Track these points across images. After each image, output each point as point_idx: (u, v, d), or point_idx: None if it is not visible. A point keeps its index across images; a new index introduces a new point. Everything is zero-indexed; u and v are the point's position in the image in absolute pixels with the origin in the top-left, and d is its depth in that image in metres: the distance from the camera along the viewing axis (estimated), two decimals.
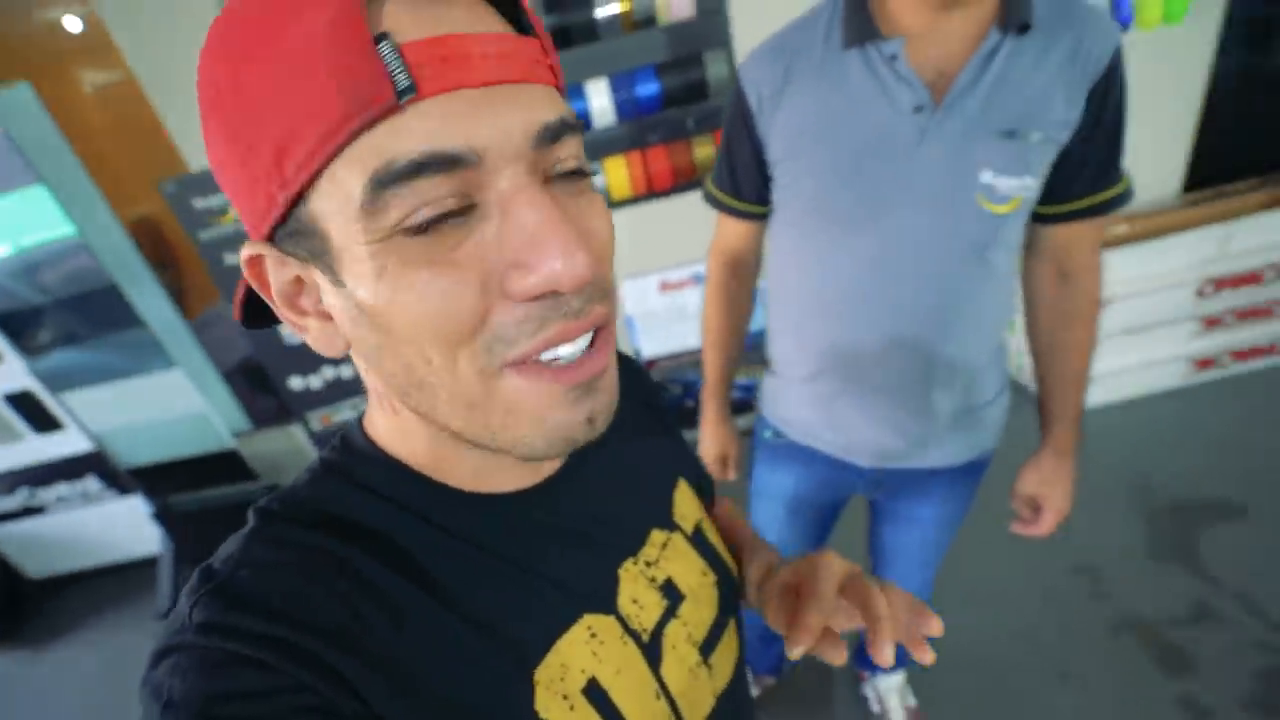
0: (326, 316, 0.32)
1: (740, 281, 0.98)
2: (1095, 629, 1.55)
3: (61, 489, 2.27)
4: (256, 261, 0.31)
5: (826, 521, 1.12)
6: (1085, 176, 0.73)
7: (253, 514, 0.35)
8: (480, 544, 0.37)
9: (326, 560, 0.33)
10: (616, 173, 2.00)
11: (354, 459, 0.37)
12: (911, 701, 1.45)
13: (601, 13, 1.83)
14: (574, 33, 1.86)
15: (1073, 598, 1.64)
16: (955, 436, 0.90)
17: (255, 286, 0.32)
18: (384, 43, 0.25)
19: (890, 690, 1.43)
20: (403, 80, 0.25)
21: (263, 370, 2.10)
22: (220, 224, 1.91)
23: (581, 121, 0.36)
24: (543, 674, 0.36)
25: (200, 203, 1.87)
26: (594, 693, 0.37)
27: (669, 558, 0.45)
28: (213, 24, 0.28)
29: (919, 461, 0.92)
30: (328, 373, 2.12)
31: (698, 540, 0.49)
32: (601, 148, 2.00)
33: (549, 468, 0.41)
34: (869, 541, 1.21)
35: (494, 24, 0.29)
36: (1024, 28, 0.65)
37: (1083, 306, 0.83)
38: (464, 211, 0.28)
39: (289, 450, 2.37)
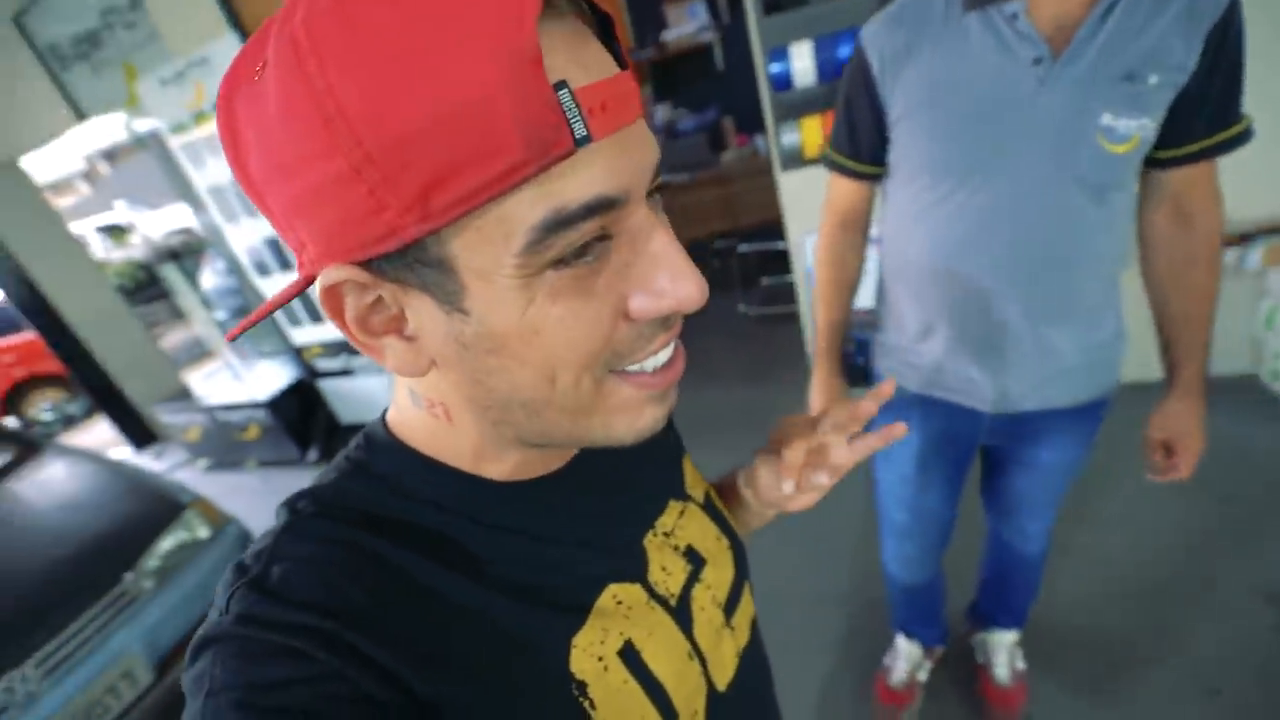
0: (407, 338, 0.32)
1: (851, 241, 1.03)
2: (1257, 655, 1.39)
3: (362, 360, 3.11)
4: (337, 287, 0.30)
5: (955, 477, 1.13)
6: (1204, 118, 0.75)
7: (283, 510, 0.36)
8: (514, 527, 0.38)
9: (358, 553, 0.34)
10: (812, 131, 2.12)
11: (382, 456, 0.38)
12: (1021, 665, 1.43)
13: None
14: None
15: (1248, 620, 1.46)
16: (1075, 375, 0.93)
17: (325, 310, 0.31)
18: (564, 90, 0.26)
19: (1002, 645, 1.42)
20: (580, 130, 0.26)
21: None
22: None
23: None
24: (581, 638, 0.38)
25: None
26: (628, 654, 0.39)
27: (686, 525, 0.48)
28: (315, 11, 0.26)
29: (1041, 403, 0.95)
30: None
31: (709, 508, 0.51)
32: (799, 108, 2.13)
33: (573, 451, 0.43)
34: (983, 490, 1.23)
35: (610, 62, 0.30)
36: None
37: (1203, 248, 0.84)
38: (601, 241, 0.30)
39: None
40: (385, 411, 0.40)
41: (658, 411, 0.36)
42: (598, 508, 0.43)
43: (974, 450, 1.11)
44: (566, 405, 0.33)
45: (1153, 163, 0.80)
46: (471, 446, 0.37)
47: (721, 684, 0.45)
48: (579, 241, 0.29)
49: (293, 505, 0.36)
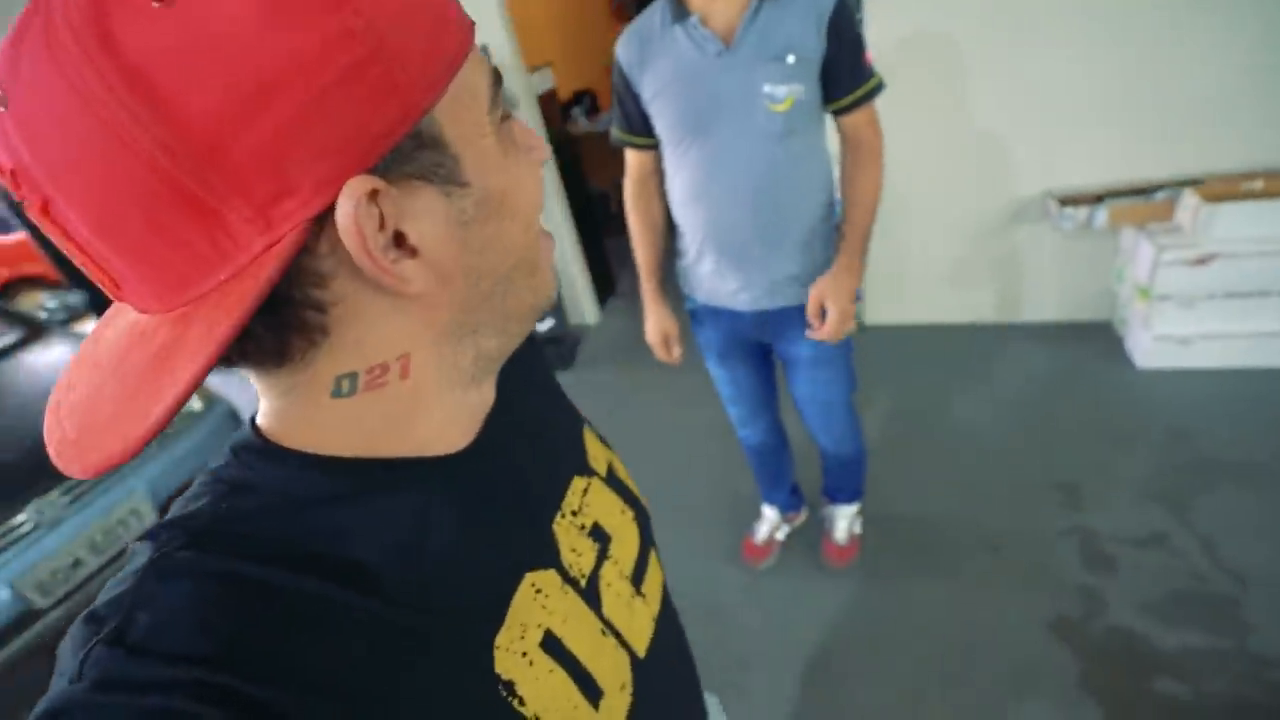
0: (414, 255, 0.30)
1: (648, 195, 1.36)
2: (1047, 529, 1.78)
3: None
4: (357, 212, 0.26)
5: (751, 359, 1.48)
6: (844, 82, 1.11)
7: (143, 546, 0.30)
8: (420, 520, 0.35)
9: (239, 585, 0.29)
10: None
11: (264, 467, 0.33)
12: (858, 529, 1.81)
13: None
14: None
15: (1041, 502, 1.85)
16: (797, 283, 1.27)
17: (352, 245, 0.27)
18: None
19: (843, 515, 1.79)
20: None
21: None
22: None
23: None
24: (503, 638, 0.36)
25: None
26: (550, 643, 0.38)
27: (591, 503, 0.47)
28: None
29: (778, 302, 1.29)
30: None
31: (612, 480, 0.52)
32: None
33: (477, 426, 0.40)
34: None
35: None
36: None
37: (865, 158, 1.19)
38: None
39: None
40: (252, 421, 0.35)
41: (554, 272, 0.40)
42: (511, 490, 0.41)
43: (752, 340, 1.43)
44: (530, 261, 0.36)
45: (836, 114, 1.18)
46: (370, 425, 0.34)
47: (642, 650, 0.46)
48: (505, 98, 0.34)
49: (155, 539, 0.30)
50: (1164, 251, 2.02)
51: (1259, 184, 1.98)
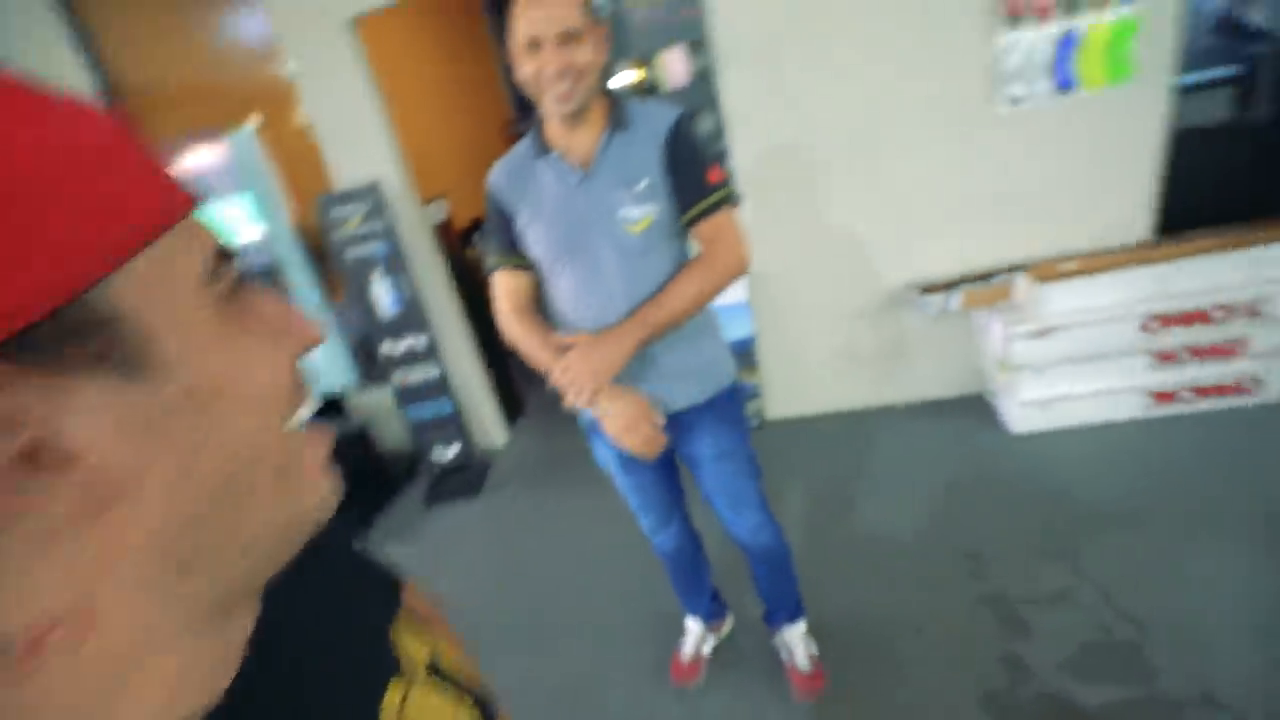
0: (71, 468, 0.22)
1: (528, 311, 1.31)
2: (962, 601, 1.81)
3: None
4: None
5: (661, 467, 1.46)
6: (687, 198, 1.18)
7: None
8: None
9: None
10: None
11: None
12: (814, 649, 1.72)
13: (614, 83, 2.41)
14: None
15: (952, 575, 1.89)
16: (687, 382, 1.30)
17: None
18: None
19: (796, 639, 1.71)
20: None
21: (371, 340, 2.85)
22: (347, 228, 2.69)
23: None
24: None
25: (337, 212, 2.67)
26: None
27: (410, 713, 0.39)
28: None
29: (671, 405, 1.30)
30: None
31: (437, 674, 0.43)
32: None
33: (229, 670, 0.30)
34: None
35: None
36: (621, 126, 1.15)
37: (696, 265, 1.20)
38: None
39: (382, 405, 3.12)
40: None
41: (329, 478, 0.32)
42: None
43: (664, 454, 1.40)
44: (280, 462, 0.29)
45: (686, 227, 1.21)
46: (109, 669, 0.25)
47: None
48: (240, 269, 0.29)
49: None
50: (1012, 327, 2.27)
51: (1073, 265, 2.30)
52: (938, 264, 2.52)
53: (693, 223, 1.20)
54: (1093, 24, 2.11)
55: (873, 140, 2.38)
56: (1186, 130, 2.29)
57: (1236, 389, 2.26)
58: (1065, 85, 2.19)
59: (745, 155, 2.47)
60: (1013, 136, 2.30)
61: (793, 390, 2.87)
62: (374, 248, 2.73)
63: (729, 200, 1.20)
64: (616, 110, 1.17)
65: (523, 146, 1.25)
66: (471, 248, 4.64)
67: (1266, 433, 2.15)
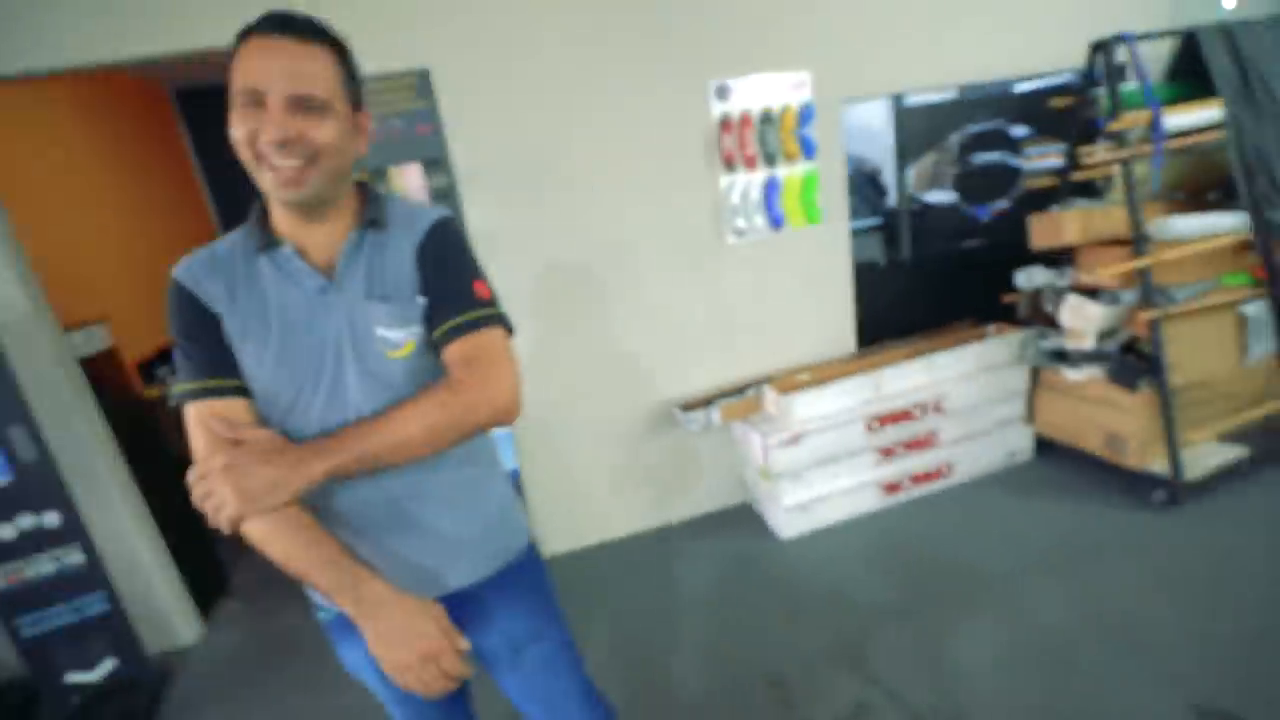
0: None
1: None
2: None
3: None
4: None
5: (451, 698, 1.07)
6: (442, 308, 0.88)
7: None
8: None
9: None
10: None
11: None
12: None
13: None
14: None
15: (761, 705, 1.76)
16: (466, 552, 0.96)
17: None
18: None
19: None
20: None
21: None
22: None
23: None
24: None
25: None
26: None
27: None
28: None
29: (448, 583, 0.95)
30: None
31: None
32: None
33: None
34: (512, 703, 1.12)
35: None
36: (376, 225, 0.89)
37: (439, 389, 0.84)
38: None
39: None
40: None
41: None
42: None
43: None
44: None
45: (436, 348, 0.90)
46: None
47: None
48: None
49: None
50: (768, 437, 2.39)
51: (807, 376, 2.56)
52: (696, 382, 2.62)
53: (445, 340, 0.88)
54: (787, 175, 2.50)
55: (630, 265, 2.44)
56: (861, 264, 2.80)
57: (939, 474, 2.65)
58: (777, 223, 2.52)
59: (497, 277, 2.33)
60: (740, 263, 2.55)
61: (566, 522, 2.64)
62: None
63: (495, 320, 0.90)
64: (371, 205, 0.91)
65: (235, 237, 0.92)
66: (156, 384, 3.68)
67: (965, 507, 2.53)
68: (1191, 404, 2.33)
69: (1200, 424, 2.35)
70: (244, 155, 0.80)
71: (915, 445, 2.60)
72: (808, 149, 2.47)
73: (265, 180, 0.81)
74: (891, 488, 2.60)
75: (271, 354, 0.87)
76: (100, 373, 2.38)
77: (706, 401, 2.51)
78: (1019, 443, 2.77)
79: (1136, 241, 2.19)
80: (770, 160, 2.45)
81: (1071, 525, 2.34)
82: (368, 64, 2.07)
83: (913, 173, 2.81)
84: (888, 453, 2.57)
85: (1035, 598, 2.00)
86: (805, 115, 2.44)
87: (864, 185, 3.11)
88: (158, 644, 2.34)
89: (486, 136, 2.21)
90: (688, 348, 2.57)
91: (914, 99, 2.72)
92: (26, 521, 1.99)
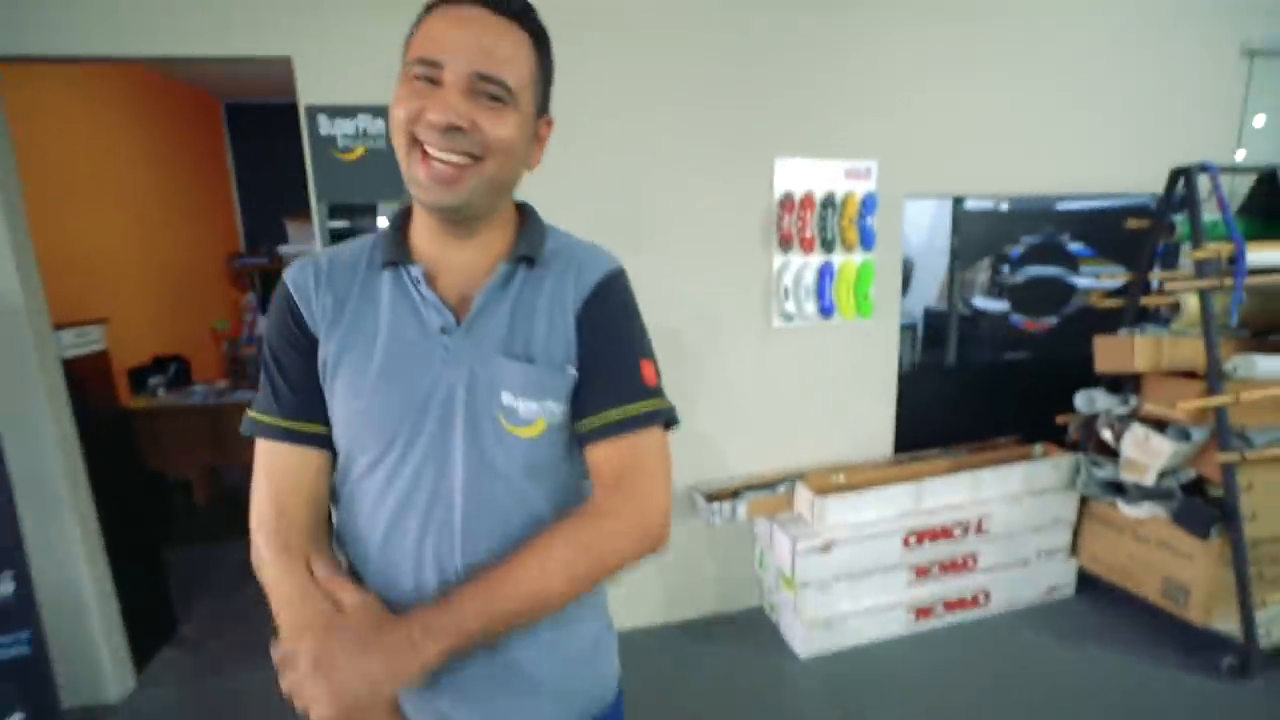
0: None
1: (300, 522, 0.72)
2: None
3: None
4: None
5: None
6: (600, 394, 0.70)
7: None
8: None
9: None
10: None
11: None
12: None
13: (383, 222, 2.01)
14: (356, 235, 2.00)
15: None
16: (549, 699, 0.75)
17: None
18: None
19: None
20: None
21: None
22: None
23: None
24: None
25: None
26: None
27: None
28: None
29: None
30: None
31: None
32: None
33: None
34: None
35: None
36: (529, 261, 0.71)
37: (588, 516, 0.67)
38: None
39: None
40: None
41: None
42: None
43: None
44: None
45: (581, 442, 0.72)
46: None
47: None
48: None
49: None
50: (798, 541, 2.17)
51: (841, 476, 2.36)
52: (723, 467, 2.41)
53: (596, 436, 0.70)
54: (843, 262, 2.39)
55: (670, 340, 2.29)
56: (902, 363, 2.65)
57: (975, 602, 2.40)
58: (828, 311, 2.39)
59: None
60: (785, 349, 2.40)
61: None
62: None
63: (663, 416, 0.72)
64: (530, 234, 0.73)
65: (364, 242, 0.75)
66: (145, 394, 3.48)
67: (1000, 643, 2.27)
68: (1267, 560, 2.12)
69: (1278, 584, 2.13)
70: (398, 141, 0.64)
71: (952, 567, 2.37)
72: (867, 239, 2.37)
73: (414, 174, 0.64)
74: (923, 612, 2.35)
75: (364, 395, 0.68)
76: (85, 376, 2.20)
77: (734, 493, 2.30)
78: (1061, 576, 2.53)
79: (1211, 377, 2.04)
80: (828, 246, 2.34)
81: (1121, 682, 2.08)
82: None
83: (964, 278, 2.71)
84: (922, 572, 2.34)
85: None
86: (868, 204, 2.35)
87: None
88: (78, 697, 2.03)
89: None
90: (719, 431, 2.39)
91: (975, 204, 2.65)
92: None
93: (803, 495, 2.27)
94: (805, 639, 2.22)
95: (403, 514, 0.69)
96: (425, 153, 0.63)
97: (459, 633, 0.60)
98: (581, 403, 0.71)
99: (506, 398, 0.68)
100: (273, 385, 0.72)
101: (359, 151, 1.99)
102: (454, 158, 0.63)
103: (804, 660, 2.22)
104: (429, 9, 0.64)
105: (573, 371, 0.70)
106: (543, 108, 0.70)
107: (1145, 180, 2.52)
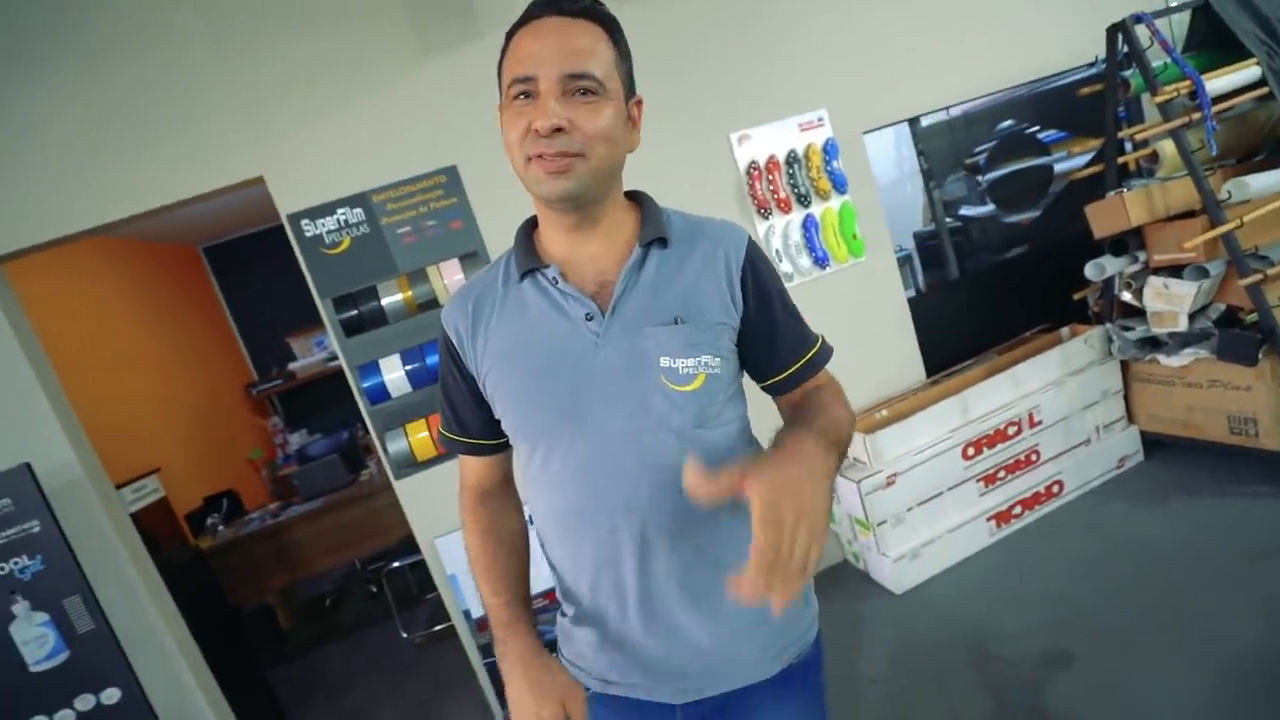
0: None
1: (496, 507, 0.93)
2: None
3: None
4: None
5: None
6: (781, 349, 0.81)
7: None
8: None
9: None
10: (417, 436, 2.08)
11: None
12: None
13: (387, 301, 2.08)
14: (366, 320, 2.08)
15: None
16: (754, 639, 0.80)
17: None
18: None
19: None
20: None
21: None
22: None
23: None
24: None
25: None
26: None
27: None
28: None
29: (728, 681, 0.81)
30: None
31: None
32: (400, 416, 2.11)
33: None
34: None
35: None
36: (662, 242, 0.78)
37: (828, 397, 0.80)
38: None
39: None
40: None
41: None
42: None
43: None
44: None
45: (768, 391, 0.86)
46: None
47: None
48: None
49: None
50: (861, 483, 2.19)
51: (885, 412, 2.39)
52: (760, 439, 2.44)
53: (787, 386, 0.83)
54: (823, 210, 2.44)
55: None
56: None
57: (1050, 493, 2.40)
58: (822, 260, 2.43)
59: None
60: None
61: None
62: (14, 566, 1.79)
63: (829, 352, 0.85)
64: (652, 219, 0.79)
65: (494, 266, 0.85)
66: (205, 535, 3.57)
67: (1090, 525, 2.26)
68: None
69: None
70: (515, 160, 0.71)
71: (1017, 466, 2.38)
72: (839, 183, 2.42)
73: (534, 176, 0.70)
74: (1002, 518, 2.35)
75: (523, 393, 0.78)
76: (152, 525, 2.29)
77: None
78: (1127, 446, 2.53)
79: (1210, 209, 2.06)
80: (804, 200, 2.39)
81: (1221, 526, 2.07)
82: (405, 169, 2.09)
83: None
84: (990, 480, 2.35)
85: (1218, 621, 1.73)
86: (830, 150, 2.40)
87: None
88: None
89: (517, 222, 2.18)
90: (750, 403, 2.42)
91: (931, 119, 2.70)
92: (86, 703, 1.82)
93: (854, 439, 2.30)
94: (896, 575, 2.23)
95: (592, 488, 0.77)
96: (540, 155, 0.69)
97: (831, 450, 0.66)
98: (771, 359, 0.82)
99: (665, 361, 0.74)
100: (450, 409, 0.89)
101: (345, 243, 2.07)
102: (557, 148, 0.68)
103: (901, 595, 2.23)
104: (509, 36, 0.72)
105: (730, 325, 0.78)
106: (630, 90, 0.76)
107: (1088, 49, 2.55)
